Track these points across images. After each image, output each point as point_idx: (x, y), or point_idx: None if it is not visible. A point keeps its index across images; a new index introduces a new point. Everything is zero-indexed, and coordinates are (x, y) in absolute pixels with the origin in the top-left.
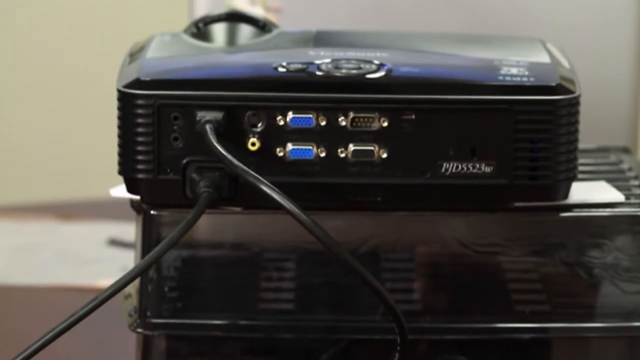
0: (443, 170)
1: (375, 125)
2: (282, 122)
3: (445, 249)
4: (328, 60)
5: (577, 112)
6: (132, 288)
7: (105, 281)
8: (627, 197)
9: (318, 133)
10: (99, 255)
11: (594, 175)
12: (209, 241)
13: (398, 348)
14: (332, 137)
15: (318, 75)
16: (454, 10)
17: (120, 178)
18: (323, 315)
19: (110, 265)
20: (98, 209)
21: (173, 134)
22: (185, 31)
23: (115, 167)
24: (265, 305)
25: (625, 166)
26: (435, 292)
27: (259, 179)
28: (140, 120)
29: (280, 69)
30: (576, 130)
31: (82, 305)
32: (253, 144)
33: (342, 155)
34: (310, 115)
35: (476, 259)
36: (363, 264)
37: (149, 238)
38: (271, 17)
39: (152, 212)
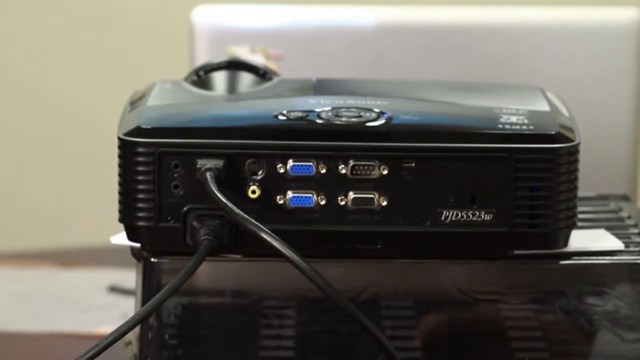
0: (443, 218)
1: (375, 173)
2: (282, 170)
3: (445, 297)
4: (328, 108)
5: (576, 160)
6: (133, 335)
7: (106, 328)
8: (627, 245)
9: (318, 181)
10: (100, 302)
11: (593, 223)
12: (209, 289)
13: None
14: (332, 184)
15: (318, 123)
16: (454, 59)
17: (121, 225)
18: None
19: (111, 312)
20: (99, 256)
21: (174, 181)
22: (186, 79)
23: (116, 214)
24: (266, 352)
25: (624, 214)
26: (436, 339)
27: (259, 226)
28: (140, 168)
29: (281, 117)
30: (576, 178)
31: (82, 352)
32: (253, 192)
33: (342, 203)
34: (311, 163)
35: (476, 306)
36: (363, 312)
37: (149, 285)
38: (272, 65)
39: (152, 259)
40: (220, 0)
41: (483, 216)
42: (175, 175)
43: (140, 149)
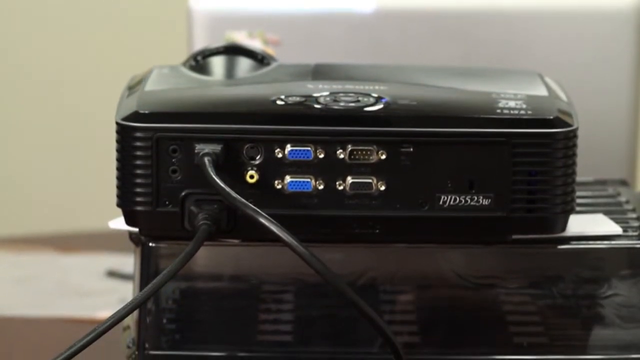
0: (441, 202)
1: (374, 158)
2: (280, 155)
3: (443, 281)
4: (326, 93)
5: (574, 145)
6: (131, 320)
7: (104, 313)
8: (625, 230)
9: (316, 166)
10: (98, 287)
11: (591, 208)
12: (207, 273)
13: None
14: (330, 169)
15: (316, 108)
16: (452, 43)
17: (119, 210)
18: (321, 347)
19: (109, 297)
20: (97, 241)
21: (172, 166)
22: (184, 64)
23: (114, 199)
24: (264, 337)
25: (622, 199)
26: (434, 324)
27: (257, 211)
28: (138, 153)
29: (279, 102)
30: (574, 163)
31: (80, 336)
32: (251, 177)
33: (341, 187)
34: (309, 148)
35: (474, 291)
36: (361, 296)
37: (147, 270)
38: (270, 50)
39: (150, 244)
40: None
41: (481, 201)
42: (173, 160)
43: (138, 134)
